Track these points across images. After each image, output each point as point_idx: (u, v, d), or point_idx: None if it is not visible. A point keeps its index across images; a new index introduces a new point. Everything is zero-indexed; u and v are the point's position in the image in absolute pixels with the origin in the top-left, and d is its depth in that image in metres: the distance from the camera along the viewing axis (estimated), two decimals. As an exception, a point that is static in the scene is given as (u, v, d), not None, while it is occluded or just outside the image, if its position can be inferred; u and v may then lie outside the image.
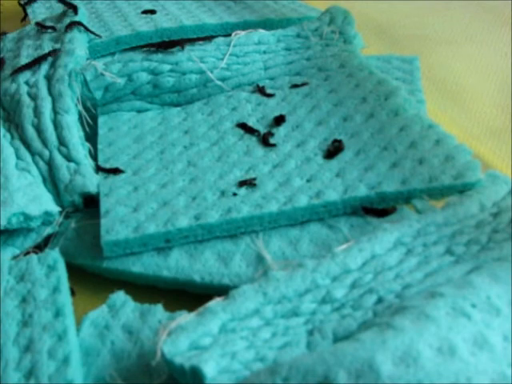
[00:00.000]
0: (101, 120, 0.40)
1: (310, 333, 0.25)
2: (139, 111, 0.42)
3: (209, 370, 0.23)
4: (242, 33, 0.44)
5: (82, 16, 0.47)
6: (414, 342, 0.21)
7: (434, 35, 0.52)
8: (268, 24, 0.49)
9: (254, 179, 0.33)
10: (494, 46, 0.50)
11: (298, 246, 0.31)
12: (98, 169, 0.36)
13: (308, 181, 0.33)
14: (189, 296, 0.30)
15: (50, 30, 0.45)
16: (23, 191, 0.33)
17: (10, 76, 0.41)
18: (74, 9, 0.47)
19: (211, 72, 0.42)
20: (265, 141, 0.36)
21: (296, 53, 0.44)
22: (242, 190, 0.33)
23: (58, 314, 0.27)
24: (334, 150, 0.35)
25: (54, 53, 0.41)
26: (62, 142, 0.36)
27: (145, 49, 0.44)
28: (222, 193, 0.33)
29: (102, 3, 0.54)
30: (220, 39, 0.44)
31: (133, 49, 0.45)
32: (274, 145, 0.36)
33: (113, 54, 0.45)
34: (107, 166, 0.36)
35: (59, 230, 0.33)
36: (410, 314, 0.23)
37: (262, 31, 0.45)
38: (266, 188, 0.33)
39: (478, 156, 0.38)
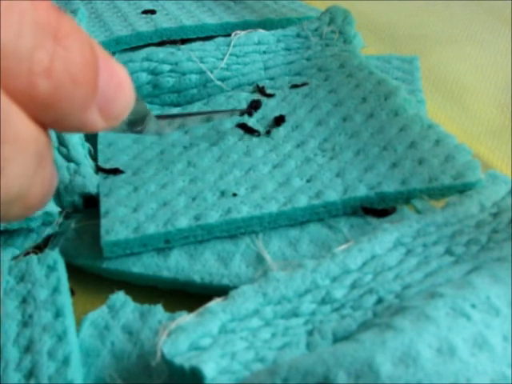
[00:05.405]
0: (101, 120, 0.40)
1: (310, 333, 0.25)
2: (139, 111, 0.42)
3: (209, 370, 0.23)
4: (242, 33, 0.44)
5: (82, 16, 0.47)
6: (414, 343, 0.21)
7: (434, 35, 0.52)
8: (268, 24, 0.49)
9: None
10: (494, 45, 0.50)
11: (297, 247, 0.31)
12: (98, 169, 0.36)
13: (308, 181, 0.33)
14: (189, 296, 0.30)
15: None
16: (23, 191, 0.33)
17: None
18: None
19: (211, 72, 0.42)
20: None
21: (296, 53, 0.44)
22: (242, 191, 0.33)
23: (57, 314, 0.27)
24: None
25: None
26: (61, 142, 0.36)
27: (145, 49, 0.44)
28: (222, 193, 0.33)
29: (102, 3, 0.54)
30: (220, 39, 0.44)
31: (133, 49, 0.45)
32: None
33: (113, 53, 0.45)
34: (107, 166, 0.36)
35: (59, 231, 0.33)
36: (410, 314, 0.23)
37: (261, 31, 0.45)
38: (266, 188, 0.33)
39: (478, 156, 0.38)
